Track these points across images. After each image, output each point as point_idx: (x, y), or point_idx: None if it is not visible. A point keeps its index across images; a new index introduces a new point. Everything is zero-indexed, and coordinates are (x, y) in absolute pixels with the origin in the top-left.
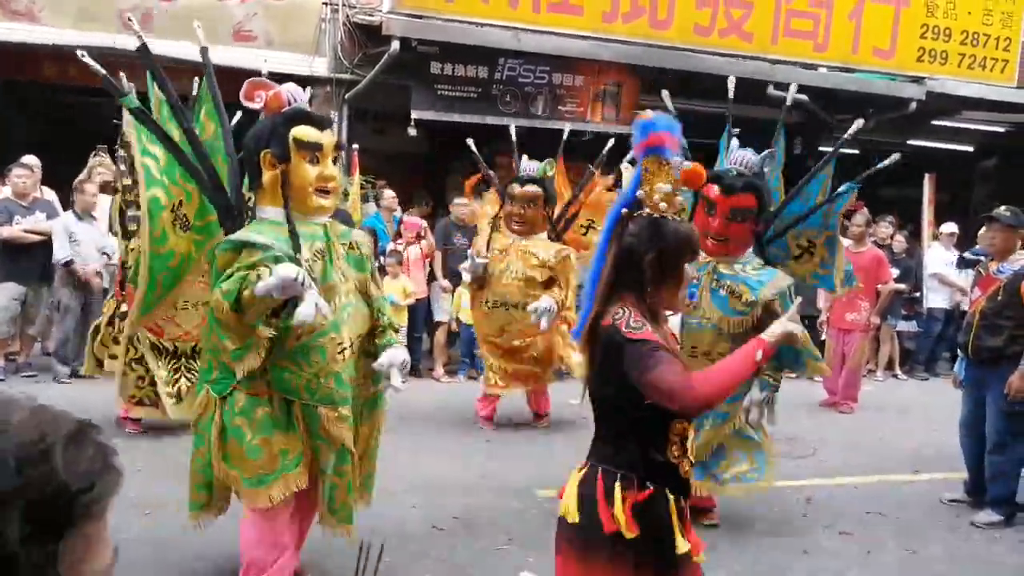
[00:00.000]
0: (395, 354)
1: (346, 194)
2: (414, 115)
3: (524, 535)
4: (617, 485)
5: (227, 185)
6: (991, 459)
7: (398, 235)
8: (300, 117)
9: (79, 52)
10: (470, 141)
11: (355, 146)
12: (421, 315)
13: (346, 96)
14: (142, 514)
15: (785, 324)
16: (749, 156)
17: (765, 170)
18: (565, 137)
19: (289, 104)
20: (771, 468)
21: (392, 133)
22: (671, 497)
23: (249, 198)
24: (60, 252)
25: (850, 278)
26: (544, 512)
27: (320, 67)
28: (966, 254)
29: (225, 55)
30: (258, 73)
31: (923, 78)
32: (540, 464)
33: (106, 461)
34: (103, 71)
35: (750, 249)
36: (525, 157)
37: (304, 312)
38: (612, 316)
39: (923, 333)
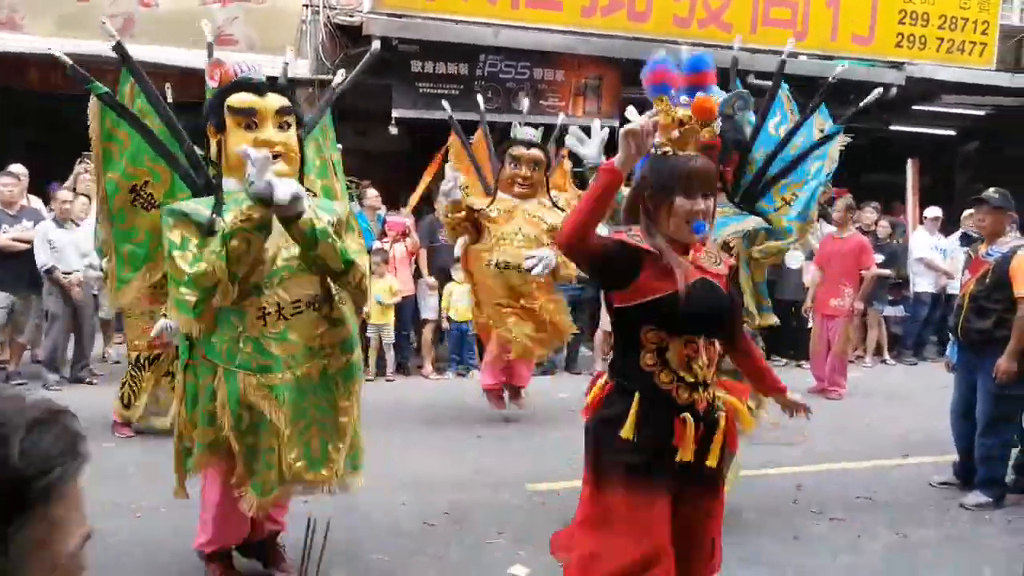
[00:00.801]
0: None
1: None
2: (395, 114)
3: (515, 530)
4: (600, 382)
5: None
6: (981, 441)
7: (383, 234)
8: (237, 85)
9: (53, 51)
10: (445, 103)
11: (338, 146)
12: (408, 313)
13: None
14: (133, 517)
15: (625, 144)
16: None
17: (736, 114)
18: (557, 130)
19: (236, 76)
20: None
21: (375, 133)
22: (636, 397)
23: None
24: (41, 259)
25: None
26: (535, 506)
27: (302, 69)
28: (970, 232)
29: (203, 59)
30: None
31: (902, 63)
32: (532, 459)
33: (71, 445)
34: (70, 61)
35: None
36: (516, 123)
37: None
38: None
39: (910, 318)
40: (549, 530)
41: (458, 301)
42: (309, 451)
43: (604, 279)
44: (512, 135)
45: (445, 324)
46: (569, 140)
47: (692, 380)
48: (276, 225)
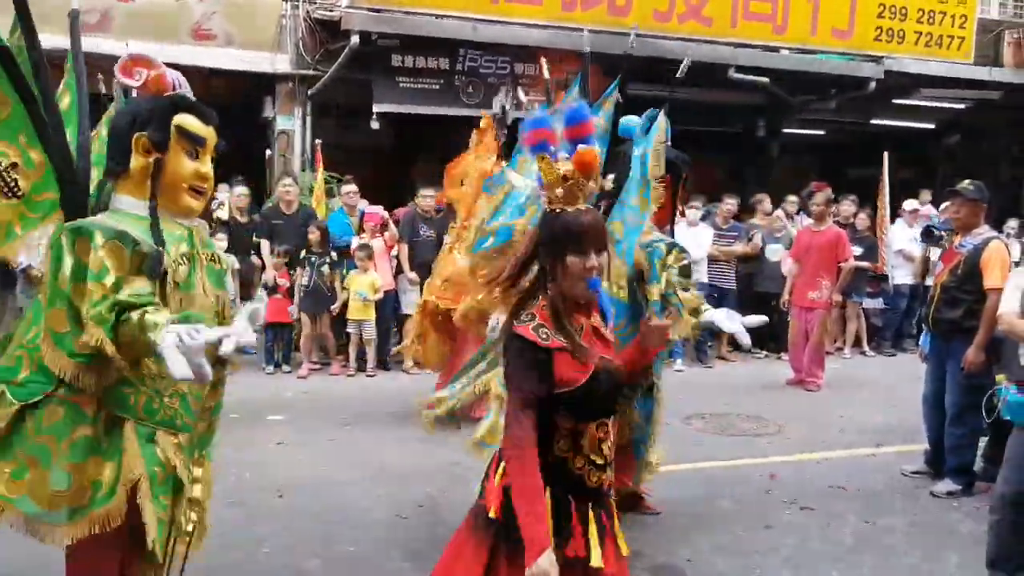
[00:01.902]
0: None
1: (310, 190)
2: (376, 108)
3: None
4: (503, 464)
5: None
6: (950, 430)
7: (361, 228)
8: (187, 105)
9: None
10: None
11: (318, 141)
12: (389, 308)
13: (309, 92)
14: None
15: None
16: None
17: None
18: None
19: (173, 89)
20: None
21: (356, 127)
22: (549, 494)
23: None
24: (20, 258)
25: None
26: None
27: (282, 64)
28: (932, 227)
29: (184, 54)
30: (219, 72)
31: (881, 57)
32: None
33: None
34: None
35: None
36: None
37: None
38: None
39: (889, 309)
40: None
41: None
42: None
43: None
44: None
45: None
46: None
47: (601, 462)
48: (197, 272)
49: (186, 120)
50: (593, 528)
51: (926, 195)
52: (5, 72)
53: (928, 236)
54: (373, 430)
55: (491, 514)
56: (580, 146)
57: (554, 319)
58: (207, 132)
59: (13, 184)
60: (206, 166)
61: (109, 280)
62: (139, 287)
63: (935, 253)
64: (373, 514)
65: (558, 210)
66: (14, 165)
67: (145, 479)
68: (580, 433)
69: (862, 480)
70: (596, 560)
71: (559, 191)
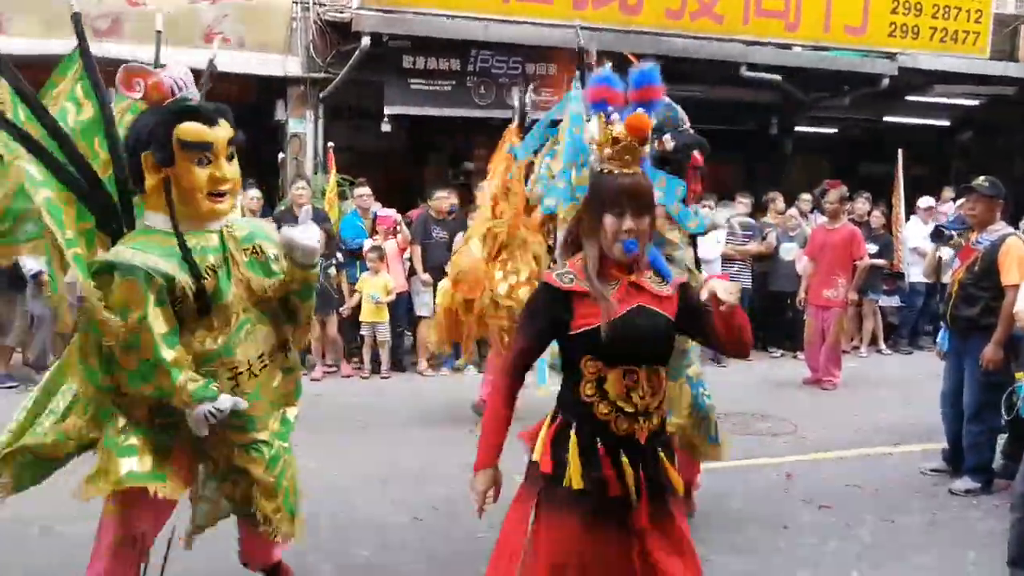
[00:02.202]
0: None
1: (323, 192)
2: (388, 110)
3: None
4: (547, 419)
5: (108, 179)
6: (969, 428)
7: (374, 230)
8: (184, 112)
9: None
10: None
11: (331, 144)
12: (403, 310)
13: (320, 95)
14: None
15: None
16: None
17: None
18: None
19: (173, 94)
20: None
21: (368, 130)
22: (574, 433)
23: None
24: (28, 264)
25: None
26: None
27: (293, 67)
28: (942, 227)
29: (196, 57)
30: (230, 75)
31: (895, 53)
32: (520, 452)
33: None
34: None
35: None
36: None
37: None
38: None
39: (906, 307)
40: None
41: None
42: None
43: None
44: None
45: None
46: None
47: (631, 410)
48: (236, 279)
49: (187, 129)
50: (629, 473)
51: (948, 192)
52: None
53: (938, 236)
54: (387, 432)
55: (540, 466)
56: (638, 109)
57: (585, 268)
58: (212, 135)
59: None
60: (221, 169)
61: (133, 316)
62: (162, 326)
63: (946, 252)
64: (387, 517)
65: (605, 170)
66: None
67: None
68: (604, 379)
69: (880, 479)
70: (576, 482)
71: (607, 151)
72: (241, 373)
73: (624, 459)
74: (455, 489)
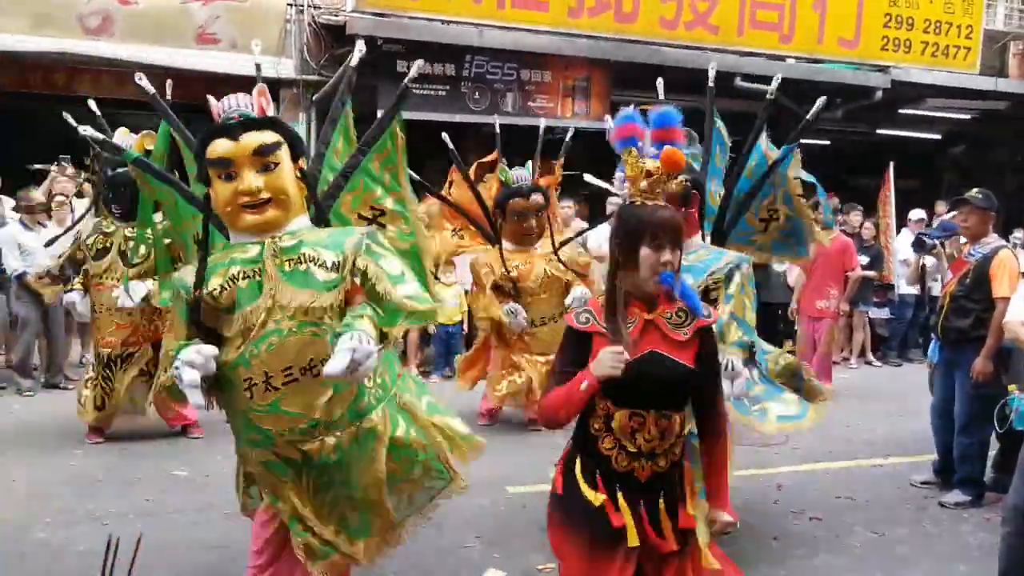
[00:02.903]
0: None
1: None
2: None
3: (492, 532)
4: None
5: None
6: (959, 440)
7: None
8: (213, 132)
9: (137, 76)
10: (445, 136)
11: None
12: None
13: (313, 98)
14: (101, 524)
15: (599, 366)
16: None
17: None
18: (542, 134)
19: (219, 116)
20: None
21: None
22: (579, 460)
23: None
24: (11, 263)
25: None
26: (514, 509)
27: (287, 69)
28: (924, 236)
29: (188, 59)
30: (223, 76)
31: (887, 67)
32: (513, 461)
33: None
34: (101, 136)
35: (696, 236)
36: (504, 167)
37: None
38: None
39: (895, 319)
40: (527, 533)
41: (444, 303)
42: (346, 524)
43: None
44: (503, 179)
45: (432, 327)
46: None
47: (634, 450)
48: (266, 285)
49: (211, 148)
50: (623, 506)
51: (941, 207)
52: (154, 177)
53: (920, 245)
54: None
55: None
56: (668, 146)
57: (605, 307)
58: (232, 149)
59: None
60: (245, 181)
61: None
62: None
63: (929, 260)
64: None
65: (638, 202)
66: (197, 234)
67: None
68: (611, 416)
69: (870, 490)
70: (631, 540)
71: (642, 184)
72: (255, 385)
73: (619, 494)
74: (443, 497)
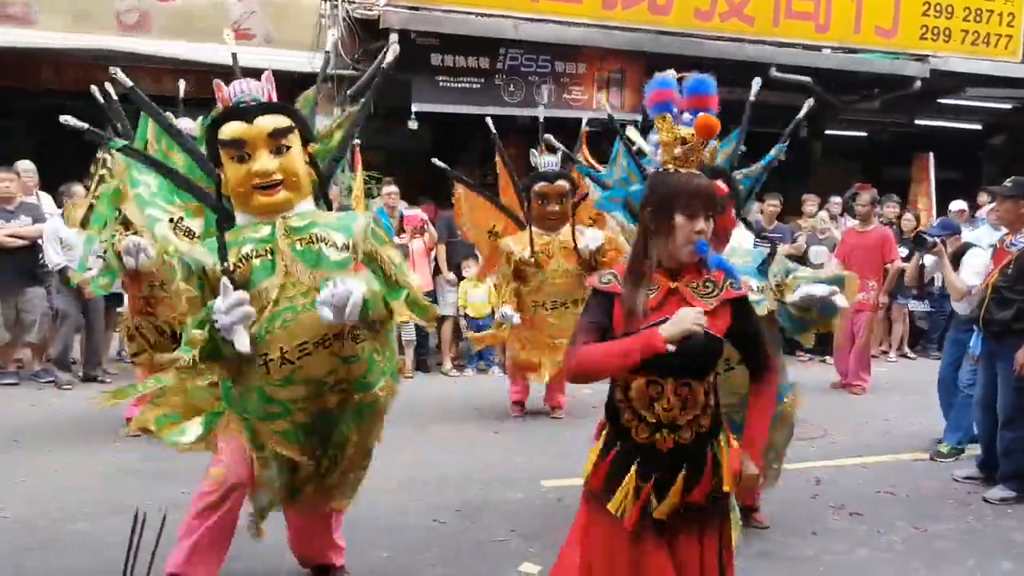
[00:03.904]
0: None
1: (349, 190)
2: (415, 108)
3: (527, 526)
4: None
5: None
6: (1003, 434)
7: (400, 229)
8: (227, 114)
9: (112, 70)
10: (488, 120)
11: (356, 141)
12: None
13: (347, 92)
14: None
15: (682, 323)
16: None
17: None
18: (585, 127)
19: (231, 100)
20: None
21: (395, 128)
22: (605, 433)
23: None
24: (54, 258)
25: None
26: (548, 503)
27: (321, 64)
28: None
29: (223, 54)
30: (258, 72)
31: (926, 56)
32: (547, 455)
33: None
34: (86, 126)
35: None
36: (534, 151)
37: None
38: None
39: (935, 312)
40: (562, 527)
41: (474, 298)
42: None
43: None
44: (533, 164)
45: (463, 323)
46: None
47: (653, 420)
48: (279, 264)
49: (223, 130)
50: (629, 480)
51: (984, 197)
52: (145, 164)
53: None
54: (412, 433)
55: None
56: (702, 112)
57: (626, 272)
58: (246, 131)
59: (188, 230)
60: (259, 162)
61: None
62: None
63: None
64: (408, 519)
65: (671, 169)
66: (181, 218)
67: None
68: (628, 386)
69: (911, 486)
70: (613, 505)
71: (676, 151)
72: (272, 360)
73: (633, 468)
74: (477, 492)
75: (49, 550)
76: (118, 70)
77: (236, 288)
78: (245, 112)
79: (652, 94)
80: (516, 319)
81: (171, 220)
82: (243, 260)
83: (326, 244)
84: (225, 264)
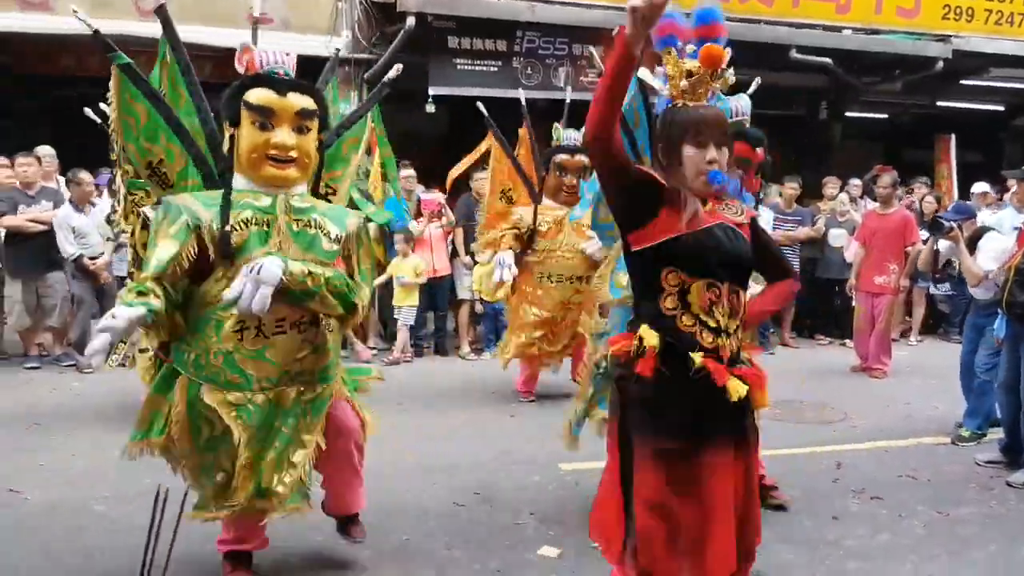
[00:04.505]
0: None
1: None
2: (432, 91)
3: (546, 510)
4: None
5: (207, 152)
6: None
7: (418, 213)
8: (258, 80)
9: (72, 8)
10: (480, 105)
11: (371, 125)
12: (445, 293)
13: (365, 76)
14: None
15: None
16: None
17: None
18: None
19: (261, 67)
20: None
21: (411, 112)
22: (655, 343)
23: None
24: (68, 248)
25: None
26: (567, 486)
27: (338, 47)
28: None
29: (242, 39)
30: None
31: (949, 36)
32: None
33: None
34: (94, 26)
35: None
36: (558, 125)
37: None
38: None
39: (957, 295)
40: (581, 511)
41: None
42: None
43: (628, 205)
44: (555, 138)
45: (479, 307)
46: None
47: (714, 325)
48: (273, 237)
49: (252, 93)
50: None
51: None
52: (140, 89)
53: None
54: (429, 417)
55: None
56: (708, 43)
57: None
58: (278, 102)
59: (163, 176)
60: (281, 135)
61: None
62: (163, 252)
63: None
64: (427, 502)
65: (679, 104)
66: (160, 161)
67: (181, 424)
68: (687, 291)
69: (933, 470)
70: (735, 392)
71: (682, 84)
72: (247, 328)
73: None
74: (495, 476)
75: (71, 532)
76: (76, 10)
77: (230, 250)
78: (277, 83)
79: (656, 29)
80: (509, 259)
81: (148, 163)
82: (242, 224)
83: (322, 231)
84: (227, 227)
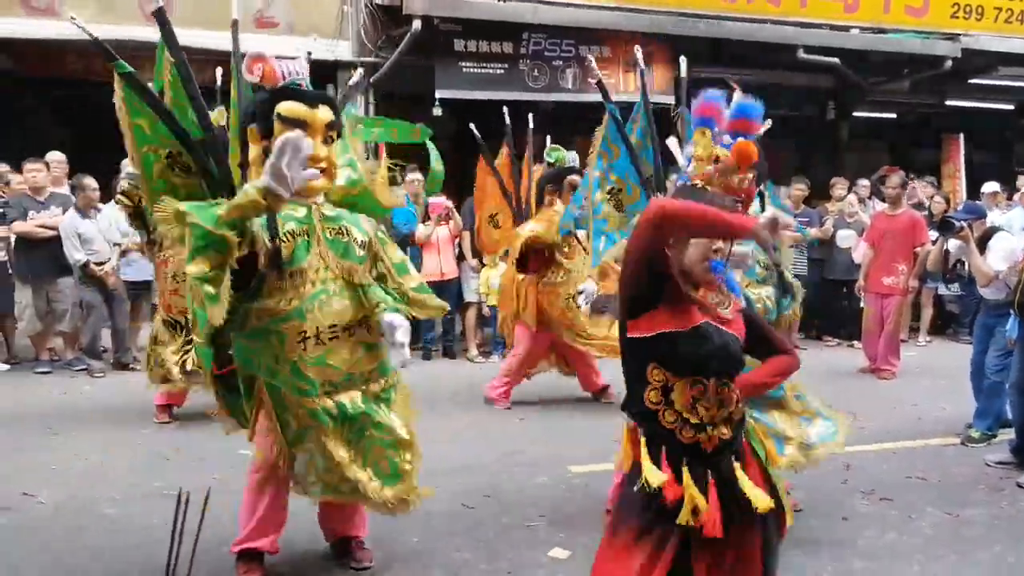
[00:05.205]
0: (392, 318)
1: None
2: (439, 94)
3: (555, 512)
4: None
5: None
6: None
7: (426, 217)
8: (288, 93)
9: (70, 16)
10: (472, 127)
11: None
12: (452, 296)
13: (371, 80)
14: (166, 501)
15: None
16: None
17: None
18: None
19: (284, 78)
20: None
21: (419, 115)
22: (643, 436)
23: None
24: (75, 255)
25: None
26: (576, 489)
27: (344, 51)
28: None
29: (247, 43)
30: (282, 60)
31: (957, 35)
32: (574, 441)
33: None
34: (97, 36)
35: None
36: (559, 147)
37: None
38: None
39: (966, 296)
40: (590, 513)
41: (495, 285)
42: (379, 470)
43: (641, 287)
44: (554, 159)
45: (486, 310)
46: None
47: (696, 421)
48: (315, 251)
49: (286, 107)
50: (686, 478)
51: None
52: (142, 97)
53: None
54: (437, 419)
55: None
56: (741, 138)
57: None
58: (309, 115)
59: (183, 163)
60: (315, 147)
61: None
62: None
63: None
64: (436, 504)
65: (699, 184)
66: (180, 152)
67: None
68: (670, 388)
69: (942, 471)
70: (683, 517)
71: (708, 168)
72: (308, 338)
73: (684, 466)
74: (504, 478)
75: (83, 534)
76: (75, 17)
77: (281, 262)
78: (305, 97)
79: (699, 107)
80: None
81: (168, 155)
82: (289, 236)
83: (352, 238)
84: (277, 240)
